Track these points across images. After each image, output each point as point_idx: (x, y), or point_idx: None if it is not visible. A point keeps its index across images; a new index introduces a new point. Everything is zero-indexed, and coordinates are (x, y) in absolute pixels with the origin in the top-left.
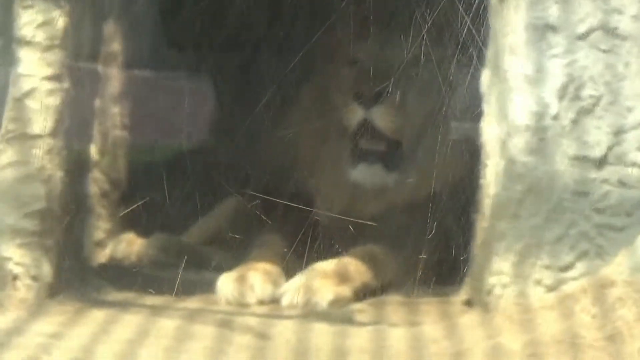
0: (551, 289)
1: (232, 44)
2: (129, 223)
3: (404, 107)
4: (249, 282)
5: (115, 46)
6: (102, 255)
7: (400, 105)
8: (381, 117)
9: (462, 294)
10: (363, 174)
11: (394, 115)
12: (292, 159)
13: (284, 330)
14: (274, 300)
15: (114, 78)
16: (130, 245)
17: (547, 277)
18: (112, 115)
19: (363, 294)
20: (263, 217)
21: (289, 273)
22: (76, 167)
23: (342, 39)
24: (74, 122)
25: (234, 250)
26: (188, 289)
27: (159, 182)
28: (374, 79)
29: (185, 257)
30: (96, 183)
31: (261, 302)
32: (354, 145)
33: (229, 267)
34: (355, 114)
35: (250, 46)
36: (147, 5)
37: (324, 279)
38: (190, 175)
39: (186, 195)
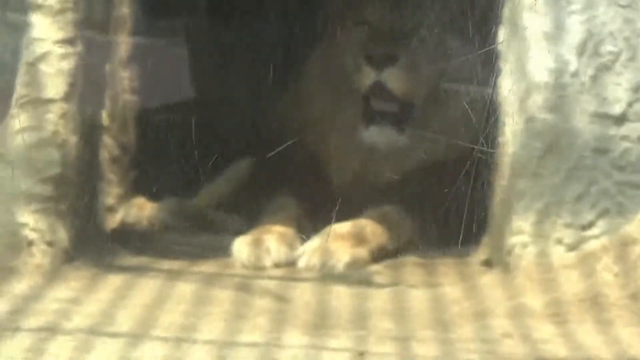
0: (572, 247)
1: (241, 6)
2: (139, 188)
3: (416, 69)
4: (265, 245)
5: (124, 9)
6: (113, 221)
7: (413, 67)
8: (393, 80)
9: (481, 254)
10: (375, 135)
11: (407, 77)
12: (305, 121)
13: (303, 293)
14: (290, 263)
15: (123, 42)
16: (142, 210)
17: (568, 236)
18: (122, 80)
19: (380, 255)
20: (276, 180)
21: (304, 236)
22: (89, 132)
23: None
24: (87, 86)
25: (246, 214)
26: (202, 253)
27: (169, 146)
28: (386, 40)
29: (198, 221)
30: (106, 148)
31: (277, 265)
32: (366, 106)
33: (241, 231)
34: (367, 76)
35: (260, 8)
36: None
37: (340, 241)
38: (201, 138)
39: (197, 158)
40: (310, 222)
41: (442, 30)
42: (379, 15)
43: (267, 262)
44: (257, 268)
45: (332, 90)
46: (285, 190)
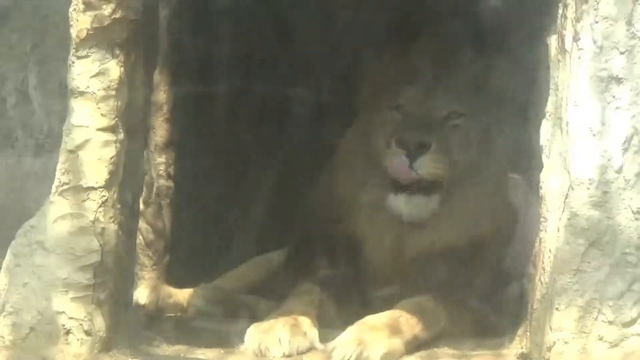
0: (614, 345)
1: (277, 86)
2: (171, 272)
3: (448, 155)
4: (277, 334)
5: (161, 94)
6: (148, 307)
7: (445, 153)
8: (425, 166)
9: (517, 348)
10: (402, 201)
11: (439, 163)
12: (337, 202)
13: None
14: (301, 352)
15: (159, 127)
16: (176, 296)
17: (610, 333)
18: (157, 165)
19: (414, 346)
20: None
21: (329, 324)
22: (128, 219)
23: (387, 84)
24: (127, 173)
25: (278, 299)
26: (235, 341)
27: (203, 234)
28: (419, 127)
29: (232, 306)
30: (140, 233)
31: (287, 356)
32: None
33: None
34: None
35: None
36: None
37: (375, 332)
38: (232, 224)
39: (228, 245)
40: (337, 308)
41: (478, 120)
42: (413, 100)
43: (277, 352)
44: (266, 358)
45: (362, 171)
46: (312, 275)
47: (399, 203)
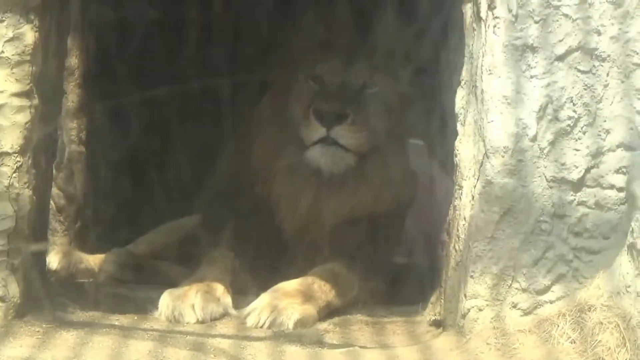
0: (528, 312)
1: (192, 56)
2: (83, 237)
3: (367, 125)
4: (190, 301)
5: (73, 60)
6: (60, 273)
7: (362, 123)
8: (343, 136)
9: (430, 315)
10: (320, 153)
11: (357, 133)
12: (251, 169)
13: (258, 354)
14: (215, 318)
15: (72, 92)
16: (87, 262)
17: (524, 301)
18: (69, 130)
19: (327, 313)
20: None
21: (243, 290)
22: (42, 185)
23: (304, 53)
24: (41, 138)
25: (191, 265)
26: (149, 307)
27: (114, 198)
28: (336, 97)
29: (144, 272)
30: (52, 198)
31: (202, 322)
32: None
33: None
34: (316, 132)
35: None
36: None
37: (288, 298)
38: (145, 189)
39: (140, 210)
40: (251, 274)
41: (394, 88)
42: (330, 71)
43: (191, 318)
44: (181, 323)
45: (279, 138)
46: (226, 241)
47: (316, 154)
